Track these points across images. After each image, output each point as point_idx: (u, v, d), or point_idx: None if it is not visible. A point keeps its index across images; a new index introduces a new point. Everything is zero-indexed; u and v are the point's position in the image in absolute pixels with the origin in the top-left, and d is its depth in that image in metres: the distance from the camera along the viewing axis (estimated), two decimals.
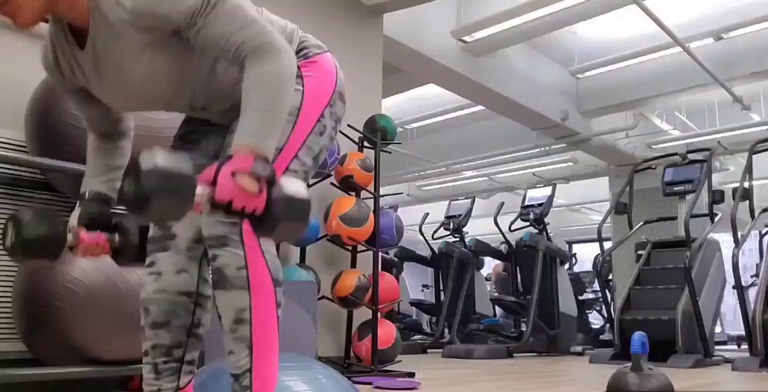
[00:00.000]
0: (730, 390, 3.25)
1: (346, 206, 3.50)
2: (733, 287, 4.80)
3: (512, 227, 6.65)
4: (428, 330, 7.82)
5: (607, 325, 7.36)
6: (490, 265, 9.18)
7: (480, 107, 7.01)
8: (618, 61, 6.46)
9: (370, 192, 3.66)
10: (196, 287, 1.26)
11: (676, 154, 5.62)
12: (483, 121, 8.40)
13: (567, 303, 6.45)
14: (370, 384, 2.92)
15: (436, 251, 7.03)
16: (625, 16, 5.50)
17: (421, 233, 7.49)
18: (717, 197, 5.08)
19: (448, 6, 5.50)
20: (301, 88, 1.23)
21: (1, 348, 2.19)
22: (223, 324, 1.16)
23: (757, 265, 7.13)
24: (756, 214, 4.83)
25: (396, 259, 7.18)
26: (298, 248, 3.67)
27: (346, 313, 3.73)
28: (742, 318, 4.54)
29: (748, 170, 4.84)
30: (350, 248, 3.74)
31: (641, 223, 5.50)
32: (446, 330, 6.46)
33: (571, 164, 9.45)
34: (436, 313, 7.13)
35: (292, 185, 1.04)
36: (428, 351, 6.39)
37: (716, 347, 5.27)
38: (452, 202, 7.48)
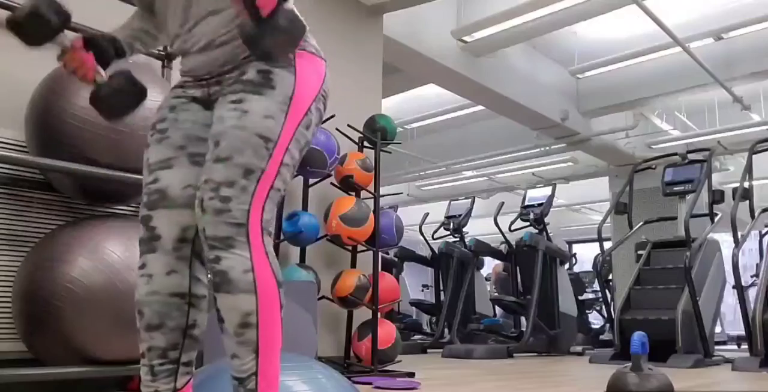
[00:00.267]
0: (730, 390, 3.25)
1: (346, 206, 3.50)
2: (733, 287, 4.80)
3: (512, 227, 6.65)
4: (428, 330, 7.82)
5: (607, 325, 7.36)
6: (490, 265, 9.17)
7: (480, 107, 7.01)
8: (618, 61, 6.46)
9: (370, 192, 3.66)
10: (188, 287, 1.25)
11: (676, 154, 5.62)
12: (483, 121, 8.41)
13: (567, 303, 6.45)
14: (370, 384, 2.92)
15: (436, 251, 7.02)
16: (625, 16, 5.51)
17: (421, 233, 7.49)
18: (717, 197, 5.08)
19: (448, 6, 5.50)
20: (293, 69, 1.20)
21: (1, 348, 2.19)
22: (227, 327, 1.13)
23: (757, 265, 7.14)
24: (756, 214, 4.83)
25: (396, 259, 7.18)
26: (298, 248, 3.66)
27: (346, 313, 3.73)
28: (742, 318, 4.55)
29: (748, 170, 4.84)
30: (350, 248, 3.74)
31: (641, 223, 5.51)
32: (446, 330, 6.46)
33: (571, 164, 9.45)
34: (436, 313, 7.13)
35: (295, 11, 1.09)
36: (428, 351, 6.39)
37: (716, 347, 5.27)
38: (452, 202, 7.48)
